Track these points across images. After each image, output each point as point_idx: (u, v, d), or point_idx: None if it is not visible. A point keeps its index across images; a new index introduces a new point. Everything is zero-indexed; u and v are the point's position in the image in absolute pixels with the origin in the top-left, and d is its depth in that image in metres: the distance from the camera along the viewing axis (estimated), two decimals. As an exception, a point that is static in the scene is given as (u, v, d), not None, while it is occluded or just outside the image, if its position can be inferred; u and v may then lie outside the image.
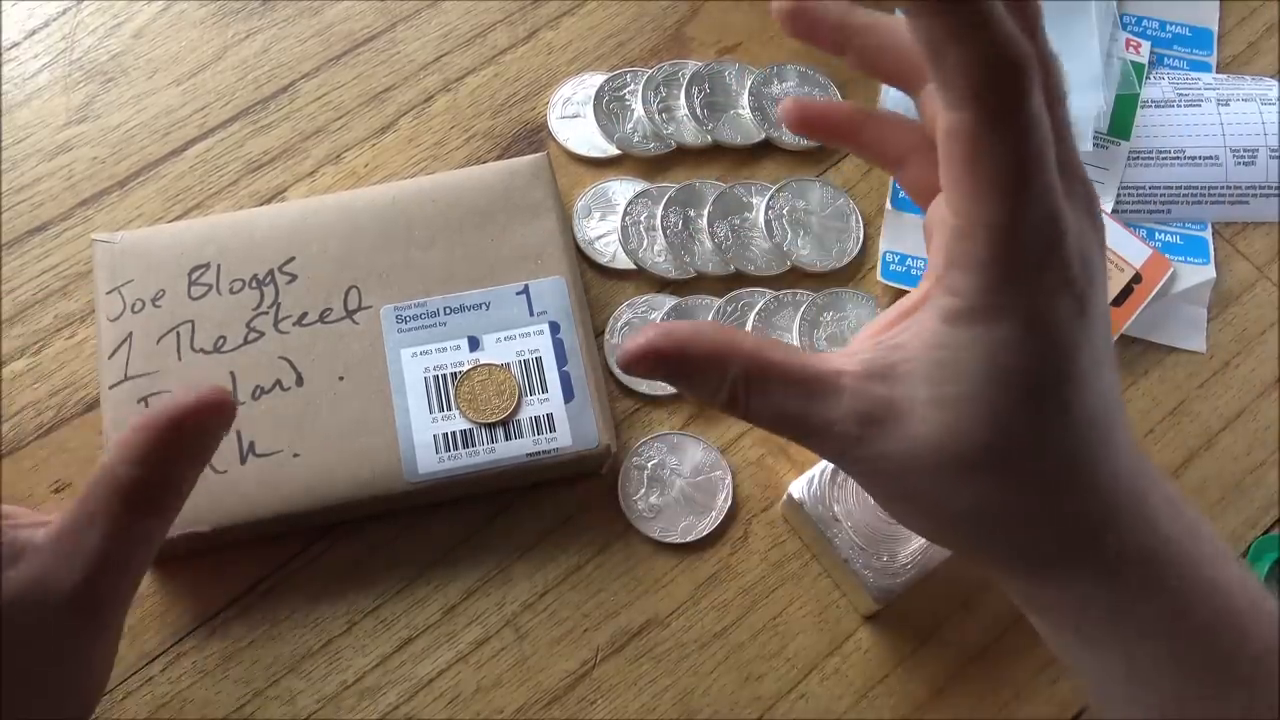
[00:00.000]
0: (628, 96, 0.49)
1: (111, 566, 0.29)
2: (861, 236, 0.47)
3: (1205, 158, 0.49)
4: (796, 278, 0.46)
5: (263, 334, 0.41)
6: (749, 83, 0.50)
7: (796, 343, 0.44)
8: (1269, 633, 0.28)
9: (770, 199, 0.47)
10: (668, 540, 0.42)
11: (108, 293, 0.42)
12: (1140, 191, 0.49)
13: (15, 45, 0.50)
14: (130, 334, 0.41)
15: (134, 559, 0.30)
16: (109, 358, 0.41)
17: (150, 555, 0.30)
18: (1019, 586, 0.31)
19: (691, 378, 0.28)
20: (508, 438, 0.40)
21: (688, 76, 0.50)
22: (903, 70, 0.29)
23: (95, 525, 0.29)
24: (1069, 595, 0.29)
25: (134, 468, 0.28)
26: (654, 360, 0.28)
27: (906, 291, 0.46)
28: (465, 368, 0.41)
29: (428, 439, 0.40)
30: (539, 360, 0.41)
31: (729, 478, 0.43)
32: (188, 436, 0.29)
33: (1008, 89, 0.24)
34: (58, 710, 0.30)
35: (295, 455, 0.40)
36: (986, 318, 0.26)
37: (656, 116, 0.49)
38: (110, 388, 0.40)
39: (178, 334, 0.41)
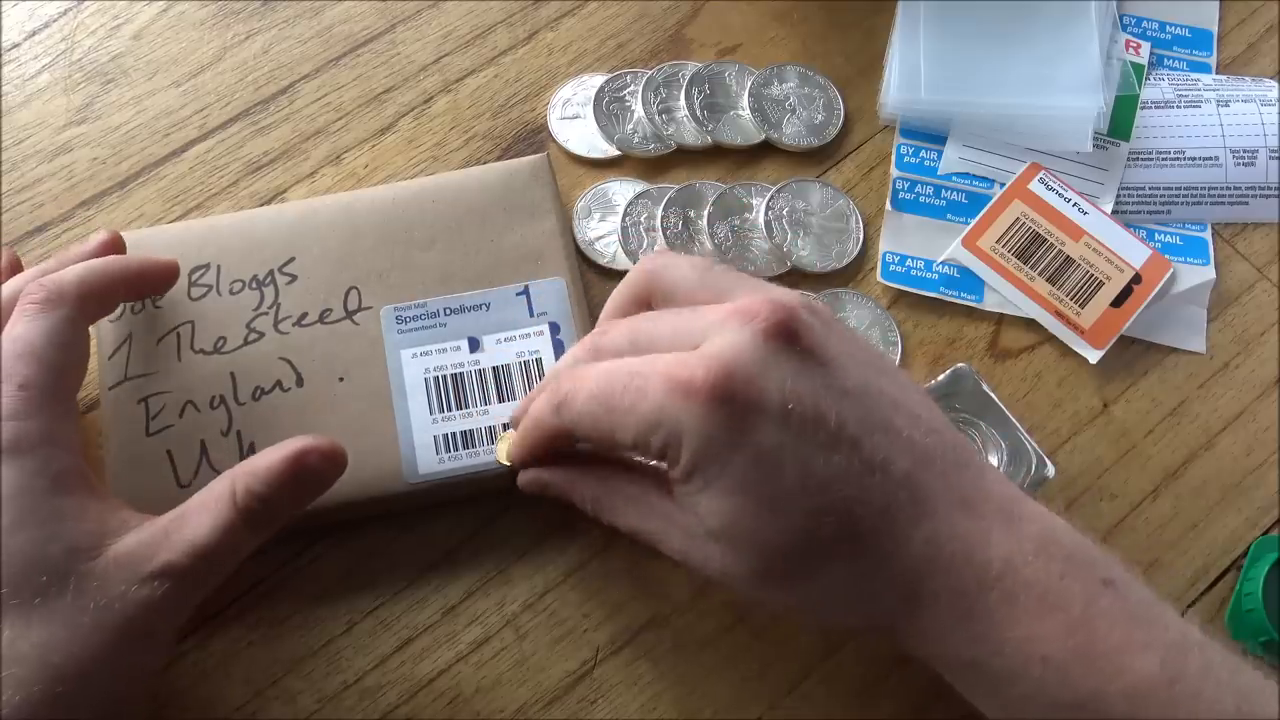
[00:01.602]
0: (628, 97, 0.49)
1: (203, 554, 0.32)
2: (861, 237, 0.47)
3: (1205, 158, 0.49)
4: (796, 278, 0.46)
5: (263, 335, 0.41)
6: (749, 84, 0.50)
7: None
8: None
9: (770, 200, 0.47)
10: (668, 541, 0.42)
11: (108, 293, 0.42)
12: (1140, 192, 0.49)
13: (15, 46, 0.50)
14: (130, 335, 0.41)
15: (224, 556, 0.33)
16: (109, 358, 0.41)
17: (235, 563, 0.34)
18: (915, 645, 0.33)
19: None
20: (508, 438, 0.40)
21: (688, 77, 0.50)
22: None
23: (203, 518, 0.32)
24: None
25: (256, 482, 0.32)
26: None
27: (906, 292, 0.46)
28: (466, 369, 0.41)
29: (428, 440, 0.40)
30: (539, 361, 0.41)
31: (729, 478, 0.43)
32: (308, 474, 0.33)
33: None
34: (128, 670, 0.32)
35: (295, 456, 0.40)
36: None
37: (656, 117, 0.49)
38: (110, 388, 0.40)
39: (178, 335, 0.41)
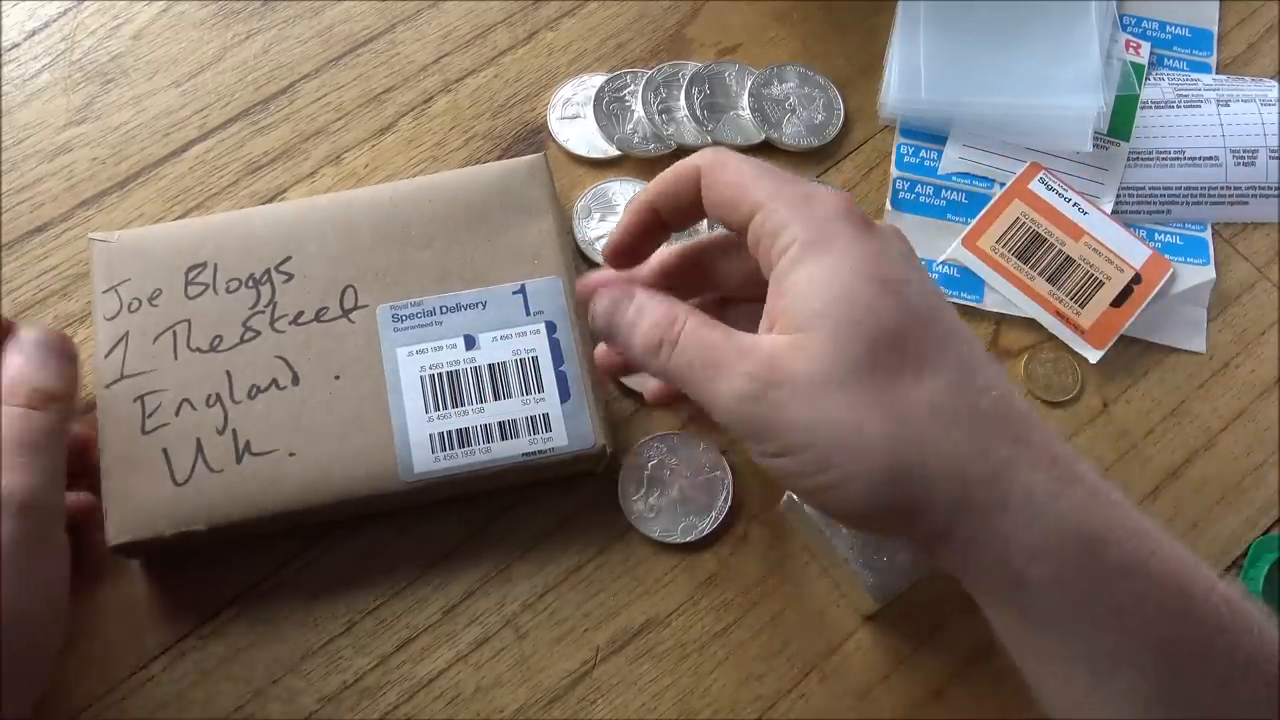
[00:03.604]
0: (628, 97, 0.49)
1: None
2: (861, 237, 0.47)
3: (1205, 158, 0.49)
4: (796, 278, 0.46)
5: (259, 333, 0.41)
6: (749, 84, 0.50)
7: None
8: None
9: (769, 199, 0.47)
10: (668, 540, 0.42)
11: (104, 292, 0.42)
12: (1140, 192, 0.49)
13: (15, 46, 0.50)
14: (127, 333, 0.41)
15: None
16: (105, 356, 0.41)
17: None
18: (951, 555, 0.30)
19: None
20: (504, 437, 0.40)
21: (688, 77, 0.50)
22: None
23: None
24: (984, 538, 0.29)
25: None
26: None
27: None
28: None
29: (424, 438, 0.40)
30: (535, 359, 0.41)
31: (729, 478, 0.43)
32: None
33: None
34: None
35: (291, 454, 0.39)
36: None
37: (656, 117, 0.49)
38: (106, 386, 0.40)
39: (174, 333, 0.41)
